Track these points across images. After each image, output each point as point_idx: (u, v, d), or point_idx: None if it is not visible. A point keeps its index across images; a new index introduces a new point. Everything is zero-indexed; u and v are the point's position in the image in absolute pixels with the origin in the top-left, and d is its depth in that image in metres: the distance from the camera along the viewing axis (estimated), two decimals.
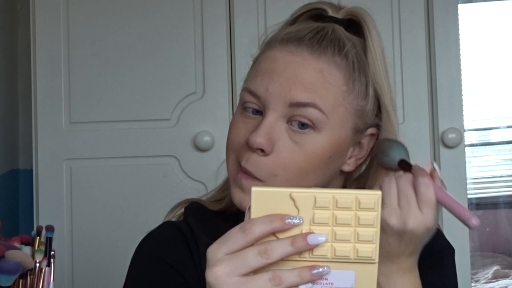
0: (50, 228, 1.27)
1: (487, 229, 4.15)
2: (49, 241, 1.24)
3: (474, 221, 0.77)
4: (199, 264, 0.97)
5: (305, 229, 0.70)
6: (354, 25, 0.99)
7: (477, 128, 4.17)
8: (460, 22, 2.20)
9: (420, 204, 0.84)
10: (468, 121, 3.47)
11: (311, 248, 0.69)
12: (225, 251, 0.69)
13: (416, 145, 2.16)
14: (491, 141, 4.25)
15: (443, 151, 2.16)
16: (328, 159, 0.93)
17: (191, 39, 2.19)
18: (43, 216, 2.14)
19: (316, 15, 1.01)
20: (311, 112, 0.90)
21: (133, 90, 2.18)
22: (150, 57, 2.19)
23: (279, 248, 0.68)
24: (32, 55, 2.20)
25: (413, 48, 2.17)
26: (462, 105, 2.19)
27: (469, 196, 2.36)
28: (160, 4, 2.20)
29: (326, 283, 0.71)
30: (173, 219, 1.09)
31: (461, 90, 2.19)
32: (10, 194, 2.44)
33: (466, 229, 2.15)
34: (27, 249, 1.24)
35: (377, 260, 0.71)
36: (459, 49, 2.18)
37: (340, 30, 0.96)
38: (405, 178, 0.85)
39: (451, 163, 2.16)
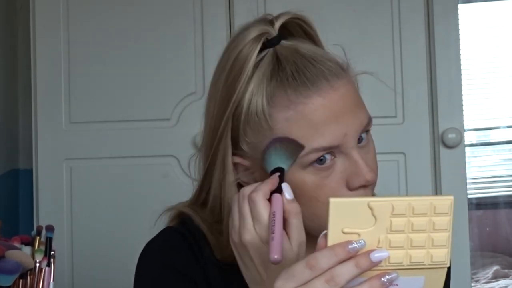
0: (50, 228, 1.27)
1: (487, 229, 4.14)
2: (49, 241, 1.24)
3: (274, 257, 0.77)
4: (206, 268, 0.96)
5: (382, 237, 0.70)
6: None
7: (477, 128, 4.16)
8: (460, 22, 2.20)
9: (253, 219, 0.83)
10: (468, 121, 3.46)
11: (376, 265, 0.69)
12: (292, 286, 0.70)
13: (416, 145, 2.17)
14: (491, 141, 4.24)
15: (443, 151, 2.16)
16: None
17: (191, 39, 2.19)
18: (43, 216, 2.14)
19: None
20: (371, 124, 0.93)
21: (133, 90, 2.18)
22: (150, 57, 2.19)
23: (345, 273, 0.69)
24: (32, 55, 2.20)
25: (413, 48, 2.17)
26: (462, 105, 2.19)
27: (469, 196, 2.36)
28: (160, 4, 2.20)
29: None
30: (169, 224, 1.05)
31: (461, 90, 2.19)
32: (10, 194, 2.43)
33: (466, 229, 2.16)
34: (27, 249, 1.24)
35: (448, 263, 0.72)
36: (459, 49, 2.18)
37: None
38: (242, 195, 0.85)
39: (451, 163, 2.16)
